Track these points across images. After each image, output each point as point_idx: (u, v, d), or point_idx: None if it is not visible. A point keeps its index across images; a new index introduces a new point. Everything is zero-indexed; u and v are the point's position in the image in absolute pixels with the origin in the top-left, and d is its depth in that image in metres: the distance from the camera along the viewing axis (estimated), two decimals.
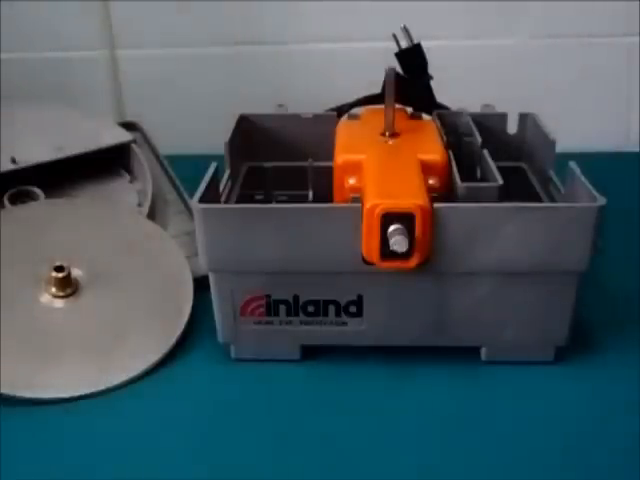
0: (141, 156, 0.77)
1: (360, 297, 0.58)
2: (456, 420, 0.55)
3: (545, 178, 0.68)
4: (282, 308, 0.59)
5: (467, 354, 0.60)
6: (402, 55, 0.69)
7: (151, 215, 0.73)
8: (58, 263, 0.63)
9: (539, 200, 0.66)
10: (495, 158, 0.62)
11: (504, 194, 0.57)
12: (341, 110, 0.72)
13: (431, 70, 0.70)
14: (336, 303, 0.59)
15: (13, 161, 0.72)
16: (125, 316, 0.64)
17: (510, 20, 0.97)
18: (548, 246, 0.55)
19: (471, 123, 0.69)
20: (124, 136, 0.79)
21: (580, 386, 0.58)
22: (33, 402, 0.57)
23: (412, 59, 0.69)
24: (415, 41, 0.69)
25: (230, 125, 0.70)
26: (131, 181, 0.78)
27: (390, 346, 0.61)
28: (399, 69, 0.68)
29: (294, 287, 0.58)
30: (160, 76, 1.02)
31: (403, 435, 0.54)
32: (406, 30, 0.68)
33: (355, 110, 0.72)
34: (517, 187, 0.67)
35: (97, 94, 1.02)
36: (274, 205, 0.68)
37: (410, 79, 0.69)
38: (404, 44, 0.69)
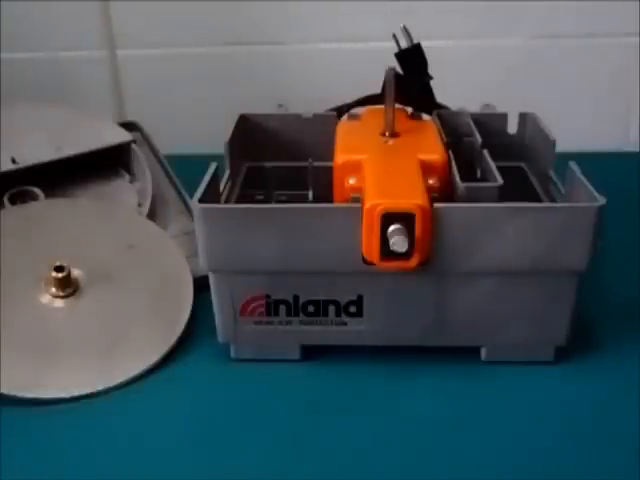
0: (141, 156, 0.77)
1: (360, 297, 0.58)
2: (456, 420, 0.55)
3: (545, 178, 0.68)
4: (282, 308, 0.59)
5: (467, 354, 0.60)
6: (402, 55, 0.69)
7: (151, 215, 0.73)
8: (58, 263, 0.63)
9: (539, 200, 0.66)
10: (495, 158, 0.62)
11: (504, 194, 0.57)
12: (341, 110, 0.72)
13: (431, 70, 0.70)
14: (336, 303, 0.59)
15: (13, 161, 0.72)
16: (125, 316, 0.64)
17: (510, 20, 0.97)
18: (548, 246, 0.55)
19: (471, 123, 0.69)
20: (124, 136, 0.78)
21: (580, 386, 0.58)
22: (33, 402, 0.57)
23: (412, 59, 0.69)
24: (415, 41, 0.69)
25: (230, 125, 0.70)
26: (131, 181, 0.78)
27: (390, 346, 0.61)
28: (399, 69, 0.68)
29: (294, 287, 0.58)
30: (160, 76, 1.02)
31: (403, 435, 0.54)
32: (406, 30, 0.68)
33: (355, 110, 0.72)
34: (517, 187, 0.67)
35: (97, 94, 1.02)
36: (274, 205, 0.68)
37: (410, 79, 0.69)
38: (404, 44, 0.69)
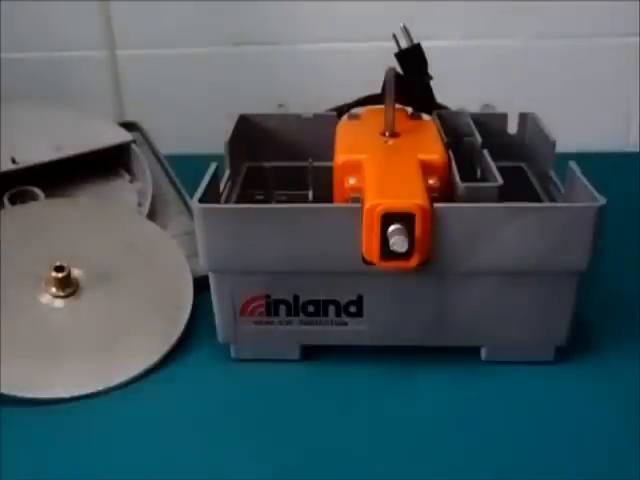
0: (141, 156, 0.77)
1: (360, 297, 0.58)
2: (456, 420, 0.55)
3: (545, 178, 0.68)
4: (282, 308, 0.59)
5: (467, 354, 0.60)
6: (402, 55, 0.69)
7: (151, 215, 0.73)
8: (58, 263, 0.63)
9: (539, 200, 0.66)
10: (495, 158, 0.62)
11: (504, 194, 0.57)
12: (341, 110, 0.72)
13: (431, 70, 0.70)
14: (336, 303, 0.59)
15: (13, 161, 0.72)
16: (125, 316, 0.64)
17: (510, 20, 0.97)
18: (548, 246, 0.55)
19: (471, 123, 0.69)
20: (124, 136, 0.79)
21: (580, 386, 0.58)
22: (33, 402, 0.57)
23: (412, 59, 0.69)
24: (415, 41, 0.69)
25: (230, 125, 0.70)
26: (131, 181, 0.78)
27: (390, 346, 0.61)
28: (399, 69, 0.68)
29: (294, 287, 0.58)
30: (160, 76, 1.02)
31: (403, 435, 0.54)
32: (406, 30, 0.68)
33: (355, 110, 0.72)
34: (517, 187, 0.67)
35: (97, 94, 1.02)
36: (274, 205, 0.68)
37: (410, 79, 0.69)
38: (404, 44, 0.69)
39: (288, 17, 0.98)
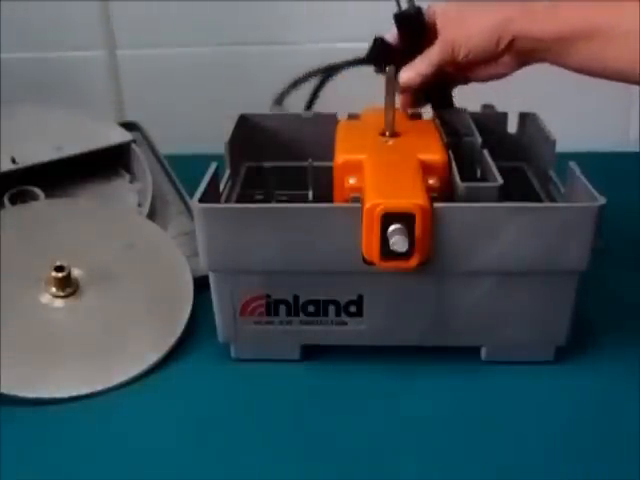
0: (141, 156, 0.77)
1: (360, 297, 0.58)
2: (456, 420, 0.55)
3: (545, 178, 0.68)
4: (282, 308, 0.59)
5: (467, 354, 0.60)
6: (401, 17, 0.65)
7: (151, 215, 0.73)
8: (58, 263, 0.63)
9: (539, 200, 0.66)
10: (495, 158, 0.62)
11: (504, 194, 0.57)
12: (329, 72, 0.70)
13: None
14: (336, 303, 0.59)
15: (13, 161, 0.72)
16: (125, 316, 0.64)
17: None
18: (548, 246, 0.55)
19: (471, 123, 0.69)
20: (124, 136, 0.79)
21: (580, 386, 0.58)
22: (33, 402, 0.57)
23: (411, 24, 0.65)
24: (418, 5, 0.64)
25: (230, 125, 0.70)
26: (131, 181, 0.78)
27: (390, 346, 0.61)
28: (395, 31, 0.65)
29: (294, 287, 0.58)
30: (160, 76, 1.02)
31: (403, 435, 0.54)
32: None
33: (355, 111, 0.72)
34: (517, 187, 0.67)
35: (97, 94, 1.02)
36: (274, 205, 0.68)
37: (405, 47, 0.65)
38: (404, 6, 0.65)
39: (288, 18, 0.98)
